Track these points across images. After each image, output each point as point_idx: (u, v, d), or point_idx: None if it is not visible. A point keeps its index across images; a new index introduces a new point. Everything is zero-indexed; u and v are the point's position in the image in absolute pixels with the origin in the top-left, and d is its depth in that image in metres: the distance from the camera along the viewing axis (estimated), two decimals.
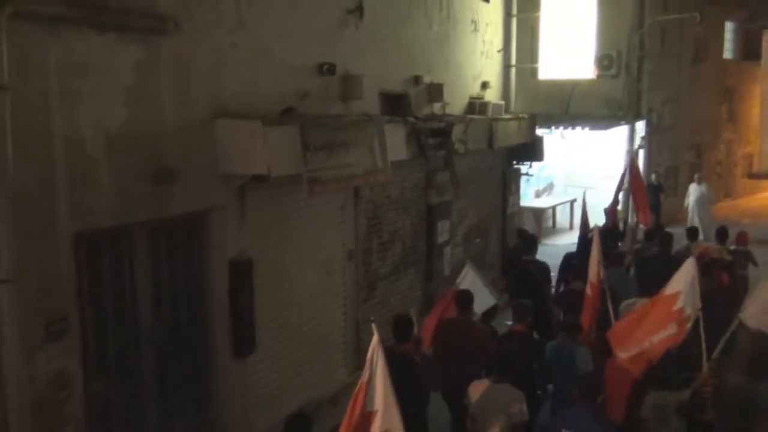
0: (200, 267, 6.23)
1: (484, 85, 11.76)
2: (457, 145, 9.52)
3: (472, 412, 5.56)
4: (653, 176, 16.32)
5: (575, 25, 14.45)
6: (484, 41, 11.74)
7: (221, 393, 6.44)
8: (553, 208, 17.37)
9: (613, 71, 15.87)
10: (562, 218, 17.44)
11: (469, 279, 7.87)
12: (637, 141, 16.89)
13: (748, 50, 22.89)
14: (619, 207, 12.20)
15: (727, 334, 6.16)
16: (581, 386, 5.41)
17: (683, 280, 6.03)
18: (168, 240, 5.92)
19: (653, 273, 8.10)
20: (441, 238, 10.14)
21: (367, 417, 4.11)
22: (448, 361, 6.33)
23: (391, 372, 4.12)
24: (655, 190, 15.50)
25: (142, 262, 5.69)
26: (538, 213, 16.66)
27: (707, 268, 8.18)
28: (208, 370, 6.39)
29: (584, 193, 12.14)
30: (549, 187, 17.84)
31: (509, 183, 12.67)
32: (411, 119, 8.54)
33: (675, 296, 5.99)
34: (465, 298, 6.68)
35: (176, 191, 5.73)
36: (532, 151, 12.55)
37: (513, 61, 12.83)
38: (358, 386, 4.12)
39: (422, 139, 8.62)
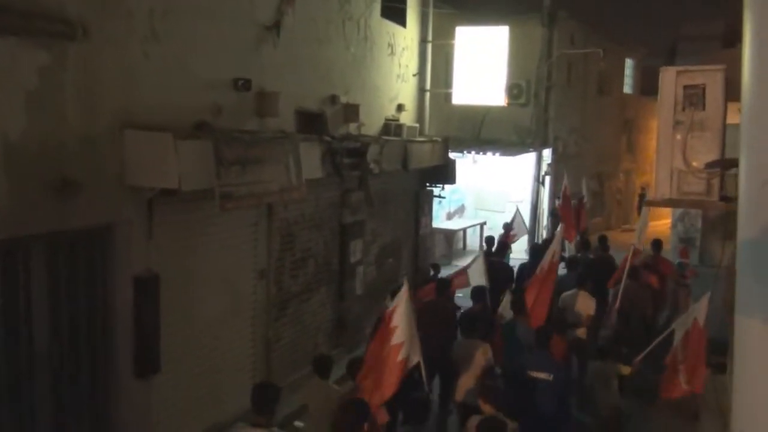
0: (103, 283, 5.97)
1: (400, 108, 11.96)
2: (372, 166, 9.61)
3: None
4: (557, 202, 16.99)
5: (487, 54, 15.01)
6: (400, 65, 11.97)
7: (122, 416, 6.15)
8: (464, 230, 17.79)
9: (522, 100, 16.60)
10: (472, 240, 17.87)
11: None
12: (544, 168, 17.62)
13: (646, 86, 24.39)
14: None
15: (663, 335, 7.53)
16: (538, 336, 6.95)
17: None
18: (68, 254, 5.64)
19: (595, 272, 10.14)
20: (354, 258, 10.17)
21: (394, 349, 5.73)
22: (429, 332, 7.36)
23: None
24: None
25: (39, 277, 5.38)
26: (449, 235, 17.01)
27: (635, 271, 10.00)
28: (108, 392, 6.09)
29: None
30: (460, 210, 18.27)
31: (422, 204, 12.91)
32: (327, 138, 8.57)
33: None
34: (441, 285, 8.73)
35: (79, 203, 5.47)
36: (445, 173, 12.88)
37: (428, 86, 13.13)
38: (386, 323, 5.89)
39: (338, 158, 8.66)
